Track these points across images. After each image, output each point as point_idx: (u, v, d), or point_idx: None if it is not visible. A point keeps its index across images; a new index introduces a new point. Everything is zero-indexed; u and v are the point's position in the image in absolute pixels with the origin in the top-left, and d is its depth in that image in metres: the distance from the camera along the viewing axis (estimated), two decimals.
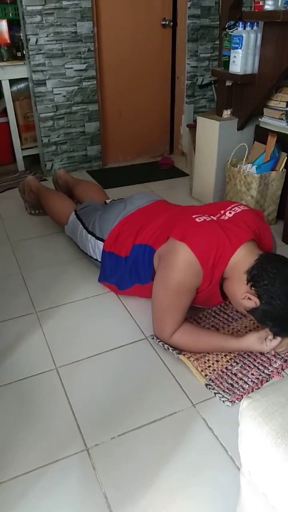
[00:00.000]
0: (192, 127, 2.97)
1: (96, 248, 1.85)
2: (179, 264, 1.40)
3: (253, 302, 1.33)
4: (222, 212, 1.54)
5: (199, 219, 1.48)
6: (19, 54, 2.98)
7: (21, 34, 2.89)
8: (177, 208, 1.76)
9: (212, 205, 1.66)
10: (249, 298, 1.34)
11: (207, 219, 1.48)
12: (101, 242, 1.81)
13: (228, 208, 1.55)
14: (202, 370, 1.43)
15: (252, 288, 1.33)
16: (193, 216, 1.50)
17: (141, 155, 3.56)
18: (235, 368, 1.44)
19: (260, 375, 1.42)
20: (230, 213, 1.53)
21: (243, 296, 1.36)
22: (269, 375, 1.42)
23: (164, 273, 1.45)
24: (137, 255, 1.65)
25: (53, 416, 1.30)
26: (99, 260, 1.85)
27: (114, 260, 1.76)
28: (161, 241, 1.55)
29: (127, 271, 1.71)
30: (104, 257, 1.80)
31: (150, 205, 1.83)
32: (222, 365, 1.45)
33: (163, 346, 1.52)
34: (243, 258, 1.39)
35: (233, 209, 1.55)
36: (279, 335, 1.39)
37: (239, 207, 1.56)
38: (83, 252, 1.99)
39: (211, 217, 1.51)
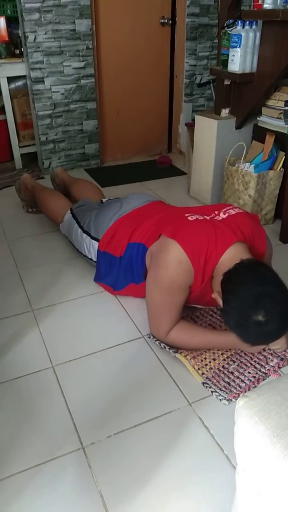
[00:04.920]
0: (190, 125, 2.97)
1: (91, 247, 1.84)
2: (169, 262, 1.40)
3: (220, 302, 1.31)
4: (216, 212, 1.54)
5: (192, 217, 1.48)
6: (17, 51, 2.97)
7: (20, 31, 2.88)
8: (173, 208, 1.76)
9: (207, 206, 1.66)
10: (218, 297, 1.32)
11: (200, 218, 1.48)
12: (96, 242, 1.81)
13: (223, 210, 1.55)
14: (199, 369, 1.43)
15: (222, 291, 1.30)
16: (186, 215, 1.50)
17: (139, 153, 3.55)
18: (232, 367, 1.44)
19: (256, 373, 1.42)
20: (224, 214, 1.53)
21: (215, 294, 1.34)
22: (265, 373, 1.42)
23: (156, 272, 1.45)
24: (131, 254, 1.64)
25: (49, 414, 1.30)
26: (94, 260, 1.84)
27: (109, 260, 1.75)
28: (153, 239, 1.55)
29: (122, 271, 1.71)
30: (99, 257, 1.79)
31: (146, 206, 1.82)
32: (219, 364, 1.45)
33: (160, 344, 1.52)
34: (229, 259, 1.36)
35: (227, 211, 1.54)
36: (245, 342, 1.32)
37: (234, 210, 1.55)
38: (79, 251, 1.98)
39: (204, 216, 1.51)
